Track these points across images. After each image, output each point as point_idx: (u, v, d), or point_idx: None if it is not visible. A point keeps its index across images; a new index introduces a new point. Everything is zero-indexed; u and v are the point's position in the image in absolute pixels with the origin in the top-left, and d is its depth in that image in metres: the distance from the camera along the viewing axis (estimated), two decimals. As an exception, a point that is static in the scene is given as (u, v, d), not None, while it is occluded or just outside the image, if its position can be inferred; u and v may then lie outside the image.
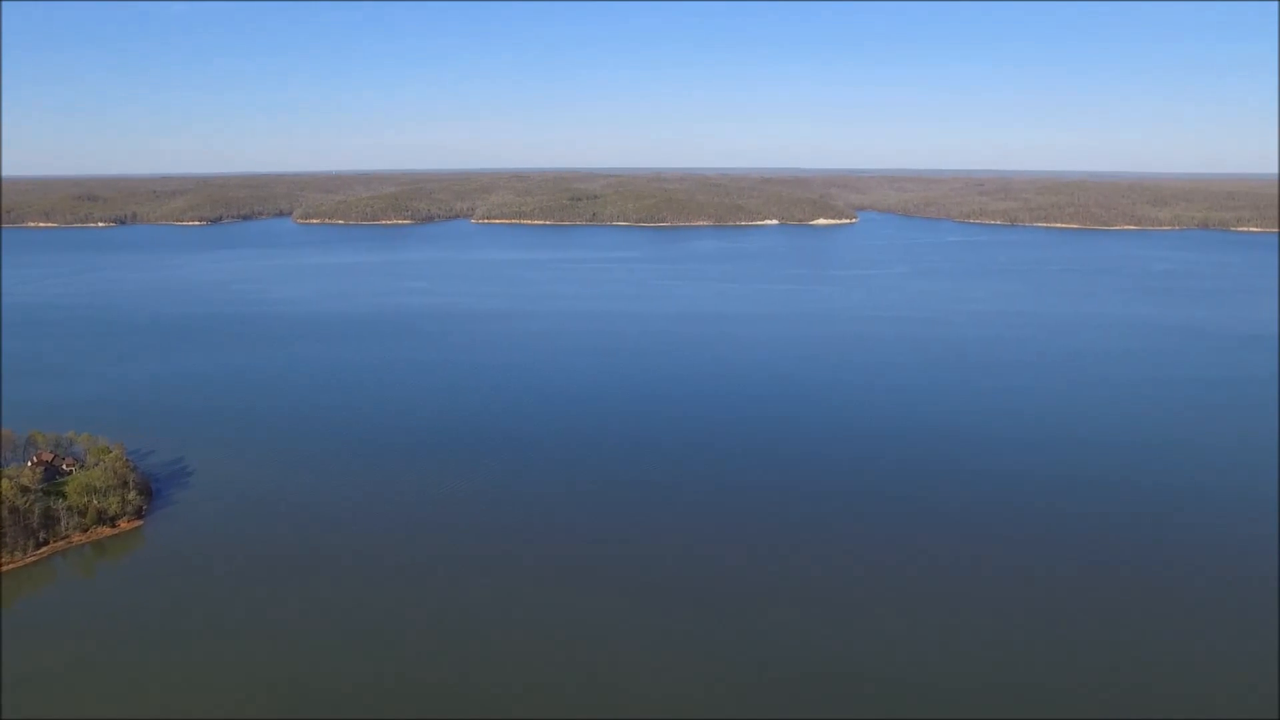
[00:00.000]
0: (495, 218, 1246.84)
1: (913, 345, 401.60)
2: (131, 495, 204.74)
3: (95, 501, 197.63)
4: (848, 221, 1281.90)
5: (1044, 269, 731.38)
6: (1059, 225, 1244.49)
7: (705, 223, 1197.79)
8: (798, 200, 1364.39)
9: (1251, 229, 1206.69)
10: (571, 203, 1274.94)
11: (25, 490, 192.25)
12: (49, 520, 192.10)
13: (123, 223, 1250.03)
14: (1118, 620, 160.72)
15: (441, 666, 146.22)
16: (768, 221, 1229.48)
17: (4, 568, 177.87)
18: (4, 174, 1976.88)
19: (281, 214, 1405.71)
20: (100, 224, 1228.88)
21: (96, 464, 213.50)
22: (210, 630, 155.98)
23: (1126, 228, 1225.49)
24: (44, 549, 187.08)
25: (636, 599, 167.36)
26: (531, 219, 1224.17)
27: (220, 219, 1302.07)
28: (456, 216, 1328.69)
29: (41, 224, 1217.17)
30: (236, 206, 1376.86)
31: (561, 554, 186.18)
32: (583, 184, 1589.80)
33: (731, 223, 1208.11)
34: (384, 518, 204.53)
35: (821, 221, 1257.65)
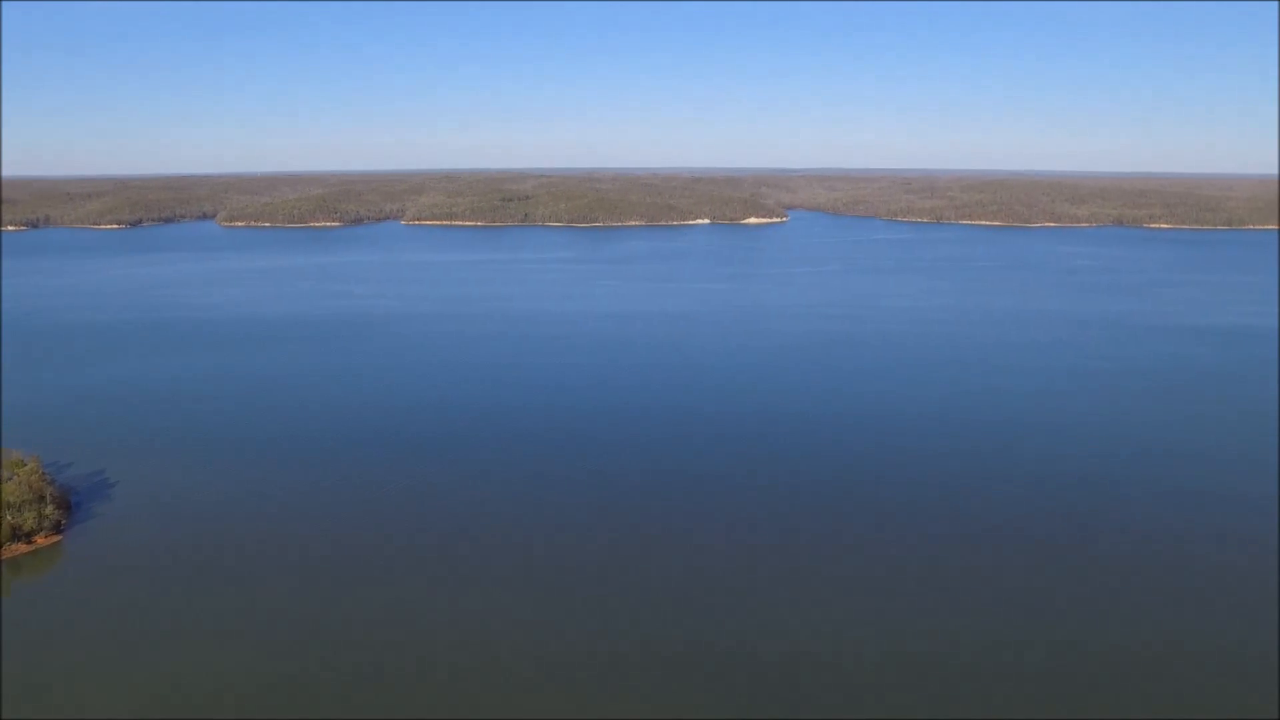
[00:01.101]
0: (426, 219, 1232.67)
1: (846, 341, 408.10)
2: (49, 509, 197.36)
3: (9, 518, 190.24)
4: (778, 220, 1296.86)
5: (970, 265, 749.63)
6: (983, 222, 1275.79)
7: (638, 222, 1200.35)
8: (729, 199, 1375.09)
9: (1162, 225, 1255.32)
10: (503, 203, 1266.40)
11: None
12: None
13: (34, 226, 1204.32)
14: (1084, 608, 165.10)
15: (383, 664, 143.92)
16: (699, 221, 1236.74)
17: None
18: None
19: (205, 217, 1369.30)
20: (10, 227, 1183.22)
21: (10, 478, 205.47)
22: (134, 640, 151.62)
23: (1047, 225, 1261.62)
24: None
25: (567, 597, 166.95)
26: (463, 220, 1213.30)
27: (140, 222, 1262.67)
28: (386, 218, 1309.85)
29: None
30: (157, 209, 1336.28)
31: (504, 551, 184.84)
32: (514, 184, 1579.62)
33: (664, 222, 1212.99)
34: (311, 519, 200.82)
35: (753, 220, 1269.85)
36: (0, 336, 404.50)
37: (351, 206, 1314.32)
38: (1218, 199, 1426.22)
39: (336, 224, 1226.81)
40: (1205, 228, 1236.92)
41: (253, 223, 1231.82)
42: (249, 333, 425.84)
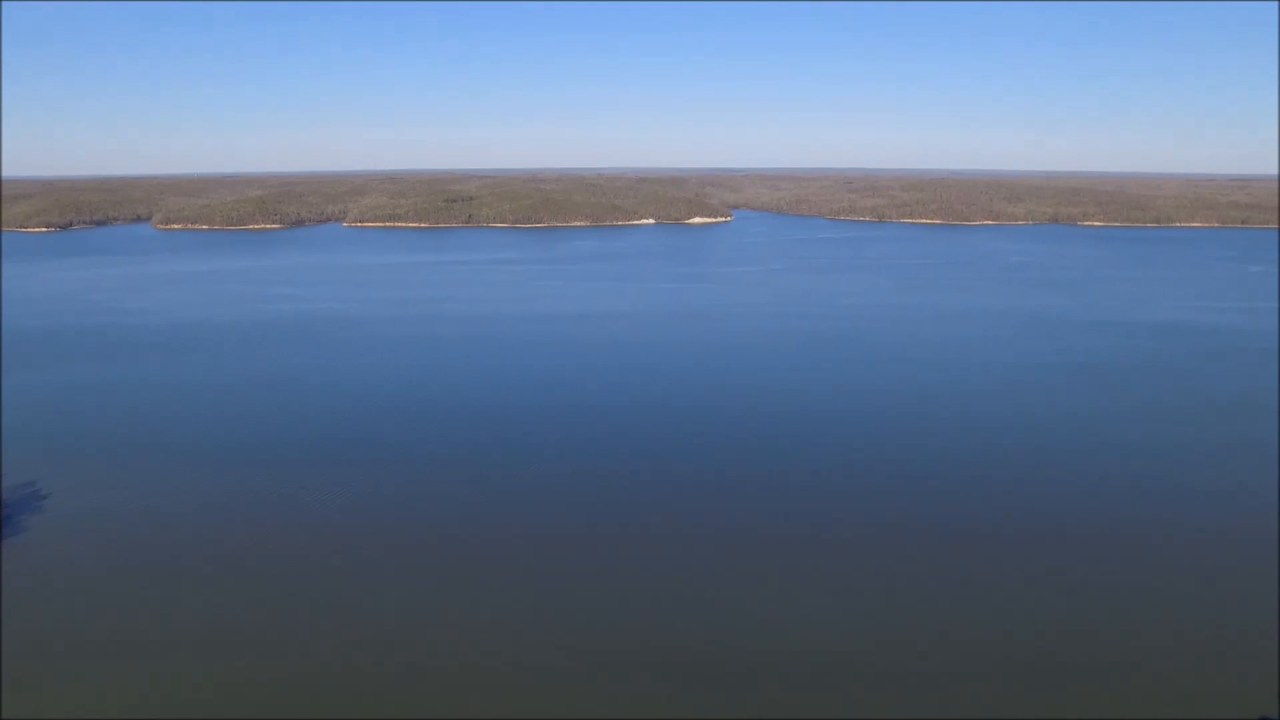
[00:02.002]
0: (369, 221, 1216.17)
1: (796, 340, 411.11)
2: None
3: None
4: (723, 220, 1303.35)
5: (912, 263, 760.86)
6: (924, 221, 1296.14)
7: (583, 223, 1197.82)
8: (674, 199, 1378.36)
9: (1095, 223, 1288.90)
10: (447, 204, 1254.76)
11: None
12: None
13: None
14: (1057, 601, 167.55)
15: (322, 668, 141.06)
16: (645, 221, 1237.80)
17: None
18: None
19: (139, 219, 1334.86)
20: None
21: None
22: (71, 649, 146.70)
23: (986, 222, 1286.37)
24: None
25: (532, 600, 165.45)
26: (406, 221, 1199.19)
27: (70, 225, 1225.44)
28: (328, 220, 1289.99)
29: None
30: (89, 211, 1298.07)
31: (444, 551, 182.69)
32: (458, 185, 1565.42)
33: (609, 222, 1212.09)
34: (251, 525, 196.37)
35: (697, 220, 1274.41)
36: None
37: (292, 208, 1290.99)
38: (1147, 198, 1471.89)
39: (277, 226, 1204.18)
40: (1135, 225, 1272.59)
41: (190, 225, 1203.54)
42: (186, 338, 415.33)
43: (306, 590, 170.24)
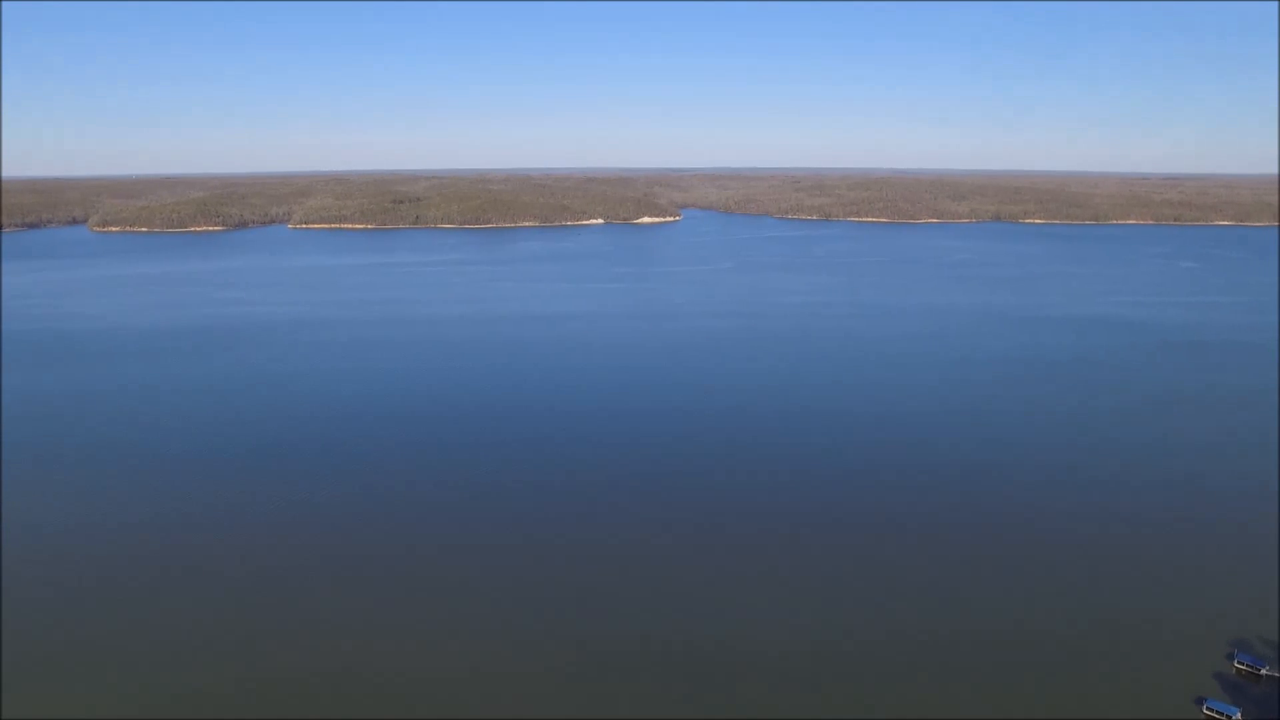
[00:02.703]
0: (314, 222, 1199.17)
1: (747, 338, 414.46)
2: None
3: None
4: (672, 219, 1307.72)
5: (858, 261, 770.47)
6: (870, 219, 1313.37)
7: (531, 223, 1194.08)
8: (622, 199, 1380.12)
9: (1036, 220, 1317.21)
10: (394, 205, 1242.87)
11: None
12: None
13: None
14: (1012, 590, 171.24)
15: (301, 670, 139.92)
16: (593, 221, 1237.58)
17: None
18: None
19: (75, 222, 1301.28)
20: None
21: None
22: (34, 665, 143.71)
23: (930, 221, 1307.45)
24: None
25: (468, 601, 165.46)
26: (353, 223, 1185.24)
27: (0, 228, 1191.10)
28: (272, 222, 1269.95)
29: None
30: (21, 213, 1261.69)
31: (416, 553, 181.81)
32: (404, 186, 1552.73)
33: (557, 223, 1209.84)
34: (186, 531, 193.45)
35: (646, 220, 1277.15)
36: None
37: (235, 210, 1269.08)
38: (1085, 195, 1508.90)
39: (219, 228, 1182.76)
40: (1074, 222, 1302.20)
41: (129, 228, 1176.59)
42: (133, 344, 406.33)
43: (280, 595, 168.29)
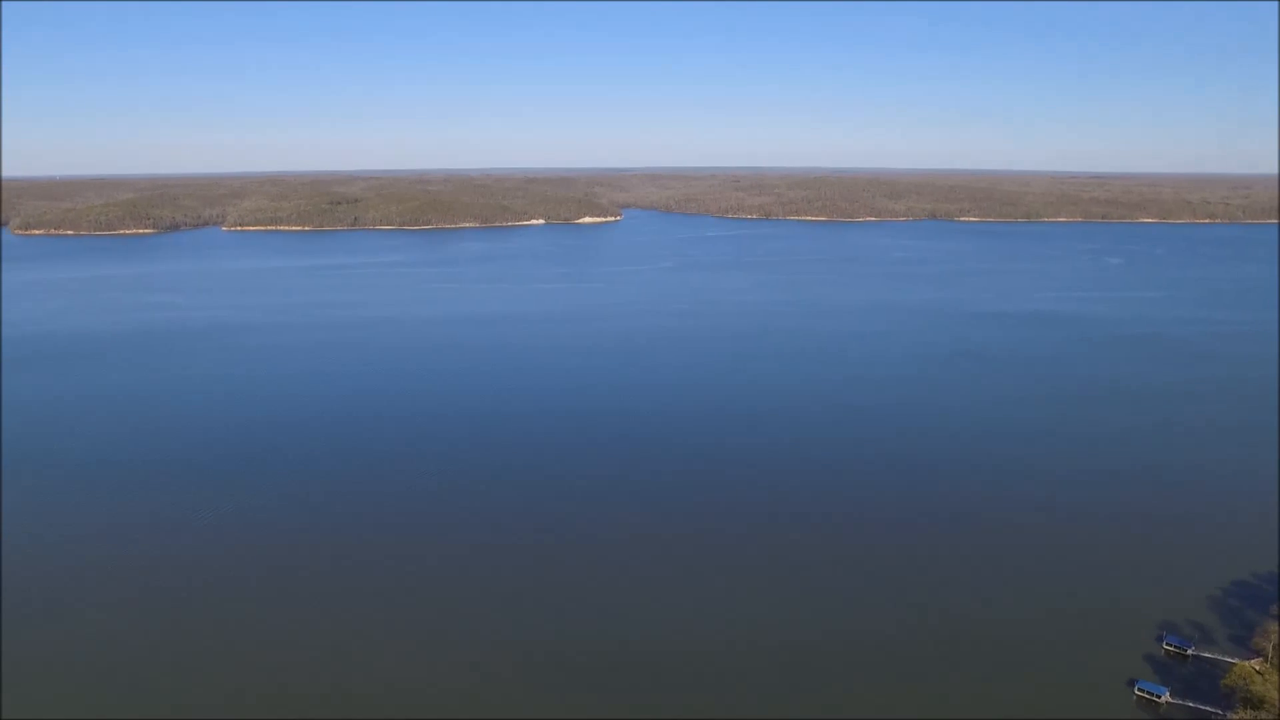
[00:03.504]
0: (250, 224, 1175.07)
1: (691, 337, 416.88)
2: None
3: None
4: (613, 219, 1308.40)
5: (798, 259, 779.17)
6: (810, 218, 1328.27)
7: (471, 224, 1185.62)
8: (563, 199, 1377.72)
9: (970, 218, 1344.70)
10: (331, 207, 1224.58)
11: None
12: None
13: None
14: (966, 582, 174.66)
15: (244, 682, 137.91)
16: (534, 221, 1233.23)
17: None
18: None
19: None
20: None
21: None
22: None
23: (868, 219, 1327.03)
24: None
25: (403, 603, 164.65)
26: (289, 225, 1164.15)
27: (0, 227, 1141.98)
28: (206, 224, 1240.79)
29: None
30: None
31: (378, 561, 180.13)
32: (342, 187, 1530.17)
33: (498, 223, 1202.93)
34: (121, 544, 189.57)
35: (587, 220, 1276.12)
36: None
37: (166, 212, 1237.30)
38: (1017, 194, 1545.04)
39: (150, 231, 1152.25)
40: (1007, 220, 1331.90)
41: (53, 230, 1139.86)
42: (66, 350, 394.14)
43: (213, 603, 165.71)
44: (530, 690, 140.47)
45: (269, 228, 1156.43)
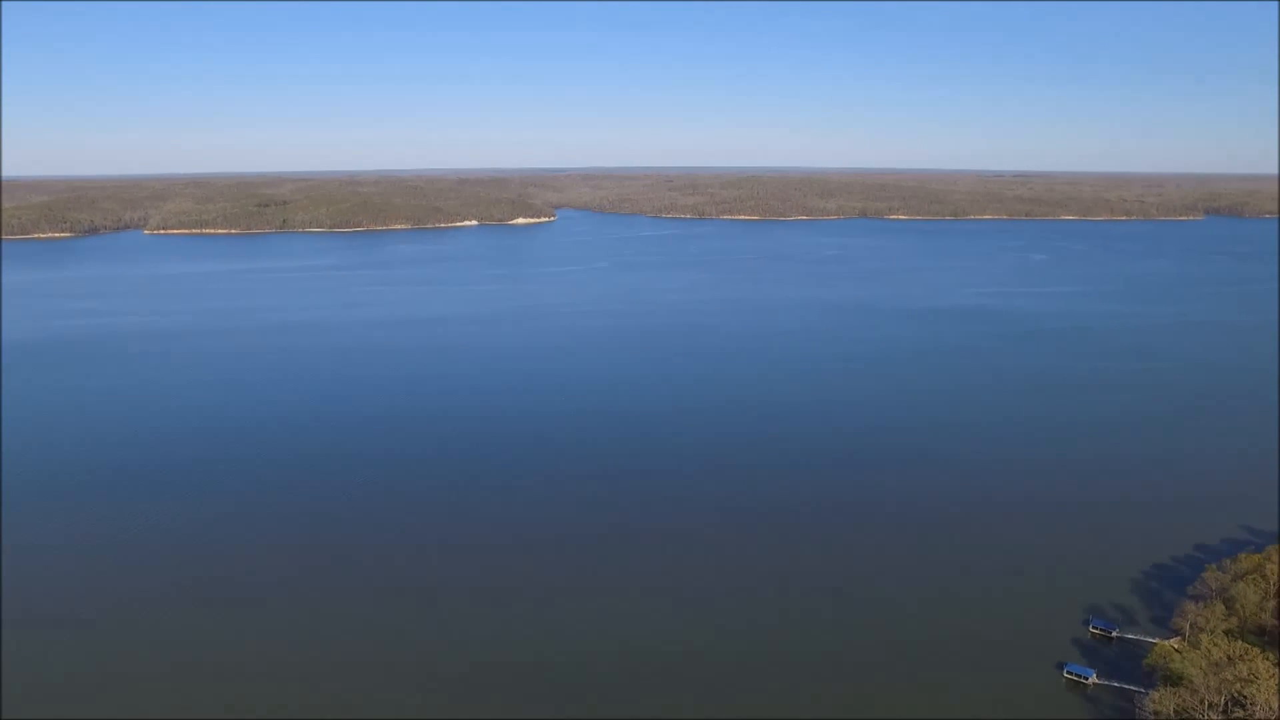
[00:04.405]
0: (173, 228, 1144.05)
1: (627, 336, 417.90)
2: None
3: None
4: (547, 220, 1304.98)
5: (732, 258, 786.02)
6: (742, 217, 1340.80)
7: (403, 226, 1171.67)
8: (496, 200, 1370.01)
9: (899, 216, 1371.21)
10: (259, 209, 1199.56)
11: None
12: None
13: None
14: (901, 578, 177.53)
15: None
16: (467, 222, 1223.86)
17: None
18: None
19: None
20: None
21: None
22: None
23: (800, 218, 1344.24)
24: None
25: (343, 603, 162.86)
26: (215, 228, 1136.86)
27: None
28: (126, 228, 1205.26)
29: None
30: None
31: (289, 565, 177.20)
32: (270, 189, 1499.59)
33: (430, 225, 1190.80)
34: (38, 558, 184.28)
35: (521, 221, 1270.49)
36: None
37: (84, 215, 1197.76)
38: (944, 192, 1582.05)
39: (67, 235, 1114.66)
40: (935, 218, 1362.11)
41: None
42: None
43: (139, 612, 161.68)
44: (479, 694, 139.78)
45: (194, 231, 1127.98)
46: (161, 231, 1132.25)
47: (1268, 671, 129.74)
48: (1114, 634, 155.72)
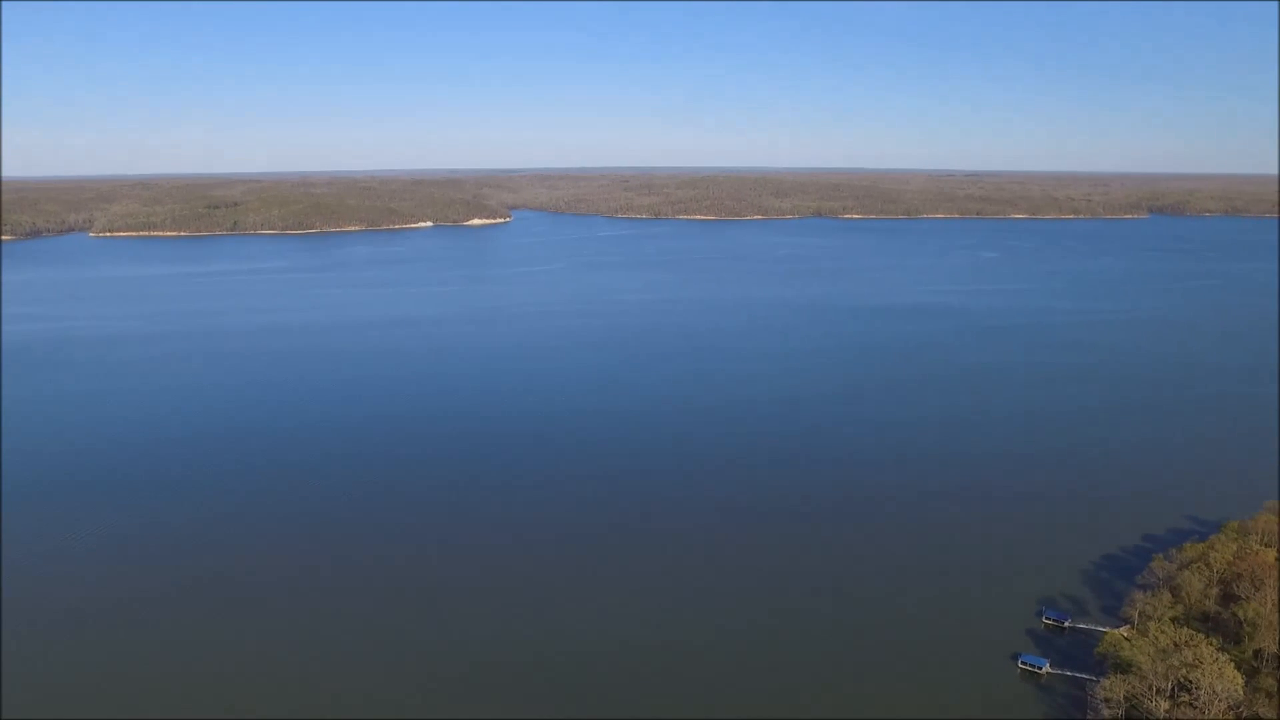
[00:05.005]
0: (120, 230, 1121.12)
1: (588, 337, 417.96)
2: None
3: None
4: (503, 221, 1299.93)
5: (689, 258, 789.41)
6: (698, 217, 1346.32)
7: (357, 227, 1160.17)
8: (451, 201, 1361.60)
9: (854, 215, 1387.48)
10: (209, 211, 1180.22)
11: None
12: None
13: None
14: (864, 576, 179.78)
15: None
16: (422, 224, 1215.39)
17: None
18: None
19: None
20: None
21: None
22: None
23: (755, 217, 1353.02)
24: None
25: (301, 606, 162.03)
26: (164, 230, 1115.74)
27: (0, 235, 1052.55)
28: (71, 230, 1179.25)
29: None
30: None
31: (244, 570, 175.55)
32: (220, 191, 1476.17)
33: (385, 226, 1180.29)
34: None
35: (476, 222, 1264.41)
36: None
37: (25, 218, 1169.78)
38: (897, 192, 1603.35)
39: (9, 238, 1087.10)
40: (888, 217, 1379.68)
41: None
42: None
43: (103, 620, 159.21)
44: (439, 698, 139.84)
45: (141, 233, 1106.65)
46: (108, 234, 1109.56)
47: (1211, 656, 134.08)
48: (1066, 624, 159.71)
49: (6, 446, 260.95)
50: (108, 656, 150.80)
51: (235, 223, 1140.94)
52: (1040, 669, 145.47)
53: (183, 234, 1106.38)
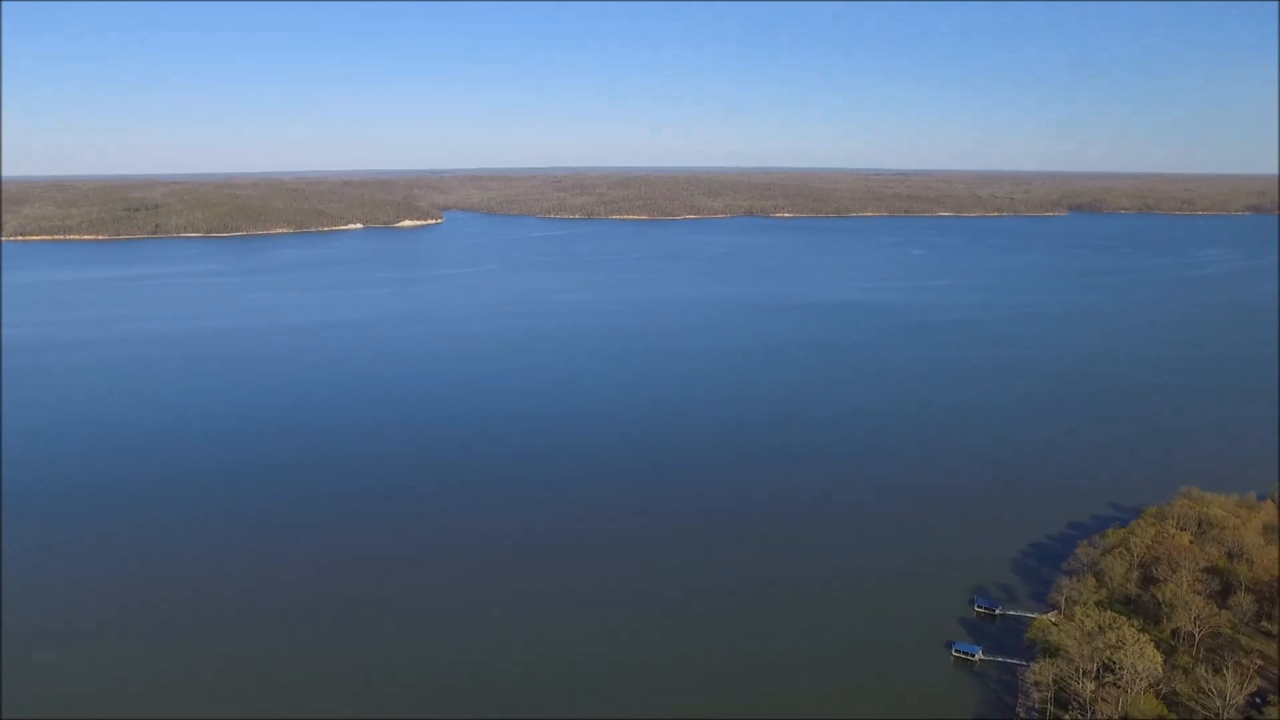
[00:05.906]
0: (33, 234, 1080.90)
1: (525, 338, 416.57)
2: None
3: None
4: (434, 222, 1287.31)
5: (623, 258, 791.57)
6: (631, 217, 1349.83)
7: (285, 230, 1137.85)
8: (381, 203, 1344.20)
9: (785, 214, 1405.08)
10: (129, 214, 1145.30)
11: None
12: None
13: None
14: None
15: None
16: (352, 226, 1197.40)
17: None
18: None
19: None
20: None
21: None
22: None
23: (688, 216, 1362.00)
24: None
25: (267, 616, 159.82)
26: (81, 234, 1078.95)
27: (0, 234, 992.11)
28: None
29: None
30: None
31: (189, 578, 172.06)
32: (141, 193, 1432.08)
33: (313, 228, 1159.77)
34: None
35: (407, 223, 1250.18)
36: None
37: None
38: (827, 190, 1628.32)
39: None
40: (819, 215, 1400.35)
41: None
42: None
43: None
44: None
45: (57, 237, 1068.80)
46: (20, 238, 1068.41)
47: (1133, 638, 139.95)
48: (997, 611, 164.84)
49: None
50: (117, 654, 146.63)
51: (157, 226, 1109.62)
52: (973, 656, 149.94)
53: (101, 237, 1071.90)
